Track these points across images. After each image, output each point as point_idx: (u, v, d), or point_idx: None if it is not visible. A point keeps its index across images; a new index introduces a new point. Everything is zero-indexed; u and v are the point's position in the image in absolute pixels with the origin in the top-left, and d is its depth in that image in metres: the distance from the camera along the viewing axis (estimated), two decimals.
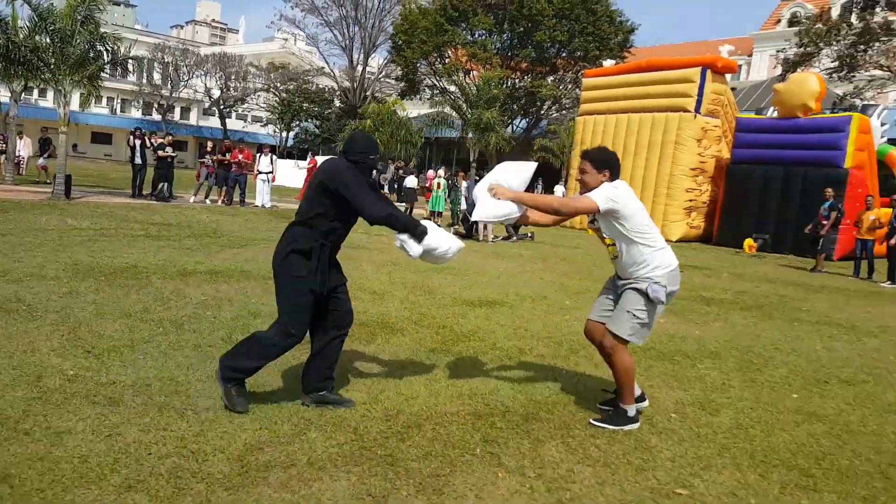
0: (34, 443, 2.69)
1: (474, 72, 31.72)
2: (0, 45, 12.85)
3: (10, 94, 16.99)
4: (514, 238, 13.48)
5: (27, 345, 3.93)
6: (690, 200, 16.88)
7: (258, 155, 16.58)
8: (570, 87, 31.54)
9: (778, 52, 27.17)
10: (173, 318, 4.88)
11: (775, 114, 16.30)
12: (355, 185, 3.25)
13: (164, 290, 5.75)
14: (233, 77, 51.52)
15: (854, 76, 23.87)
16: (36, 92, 43.70)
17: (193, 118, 58.38)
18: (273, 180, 16.49)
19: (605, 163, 3.53)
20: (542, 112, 33.10)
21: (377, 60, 46.75)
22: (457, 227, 14.41)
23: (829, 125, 15.05)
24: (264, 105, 51.71)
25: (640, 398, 3.73)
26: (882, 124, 17.10)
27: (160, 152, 14.94)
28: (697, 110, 16.54)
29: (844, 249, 14.08)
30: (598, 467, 3.04)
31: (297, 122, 50.18)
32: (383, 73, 45.15)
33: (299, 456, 2.89)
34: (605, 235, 3.65)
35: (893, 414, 4.08)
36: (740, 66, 39.70)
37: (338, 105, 48.28)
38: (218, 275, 6.73)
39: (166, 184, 14.93)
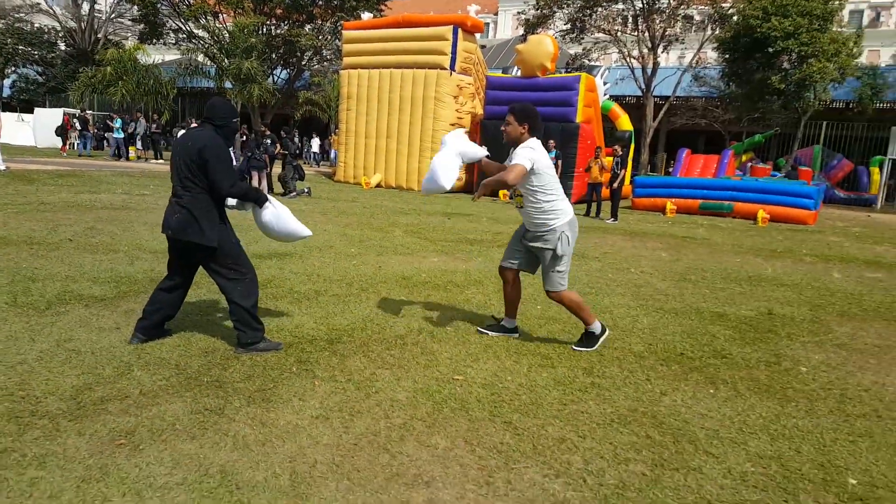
0: None
1: (224, 15, 29.86)
2: None
3: None
4: (294, 194, 13.71)
5: None
6: None
7: None
8: (329, 38, 31.43)
9: (519, 13, 30.02)
10: None
11: (519, 73, 18.40)
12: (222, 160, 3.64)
13: None
14: None
15: (583, 38, 27.33)
16: None
17: None
18: None
19: (527, 118, 4.04)
20: (304, 63, 32.63)
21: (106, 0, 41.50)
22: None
23: (562, 84, 17.19)
24: None
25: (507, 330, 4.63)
26: (605, 83, 20.24)
27: None
28: (452, 68, 17.91)
29: (579, 193, 16.57)
30: (394, 370, 3.80)
31: (13, 69, 42.71)
32: (115, 12, 40.24)
33: (131, 390, 3.19)
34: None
35: (608, 314, 5.36)
36: (487, 24, 42.94)
37: (63, 48, 42.01)
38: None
39: None
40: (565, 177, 15.32)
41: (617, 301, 5.87)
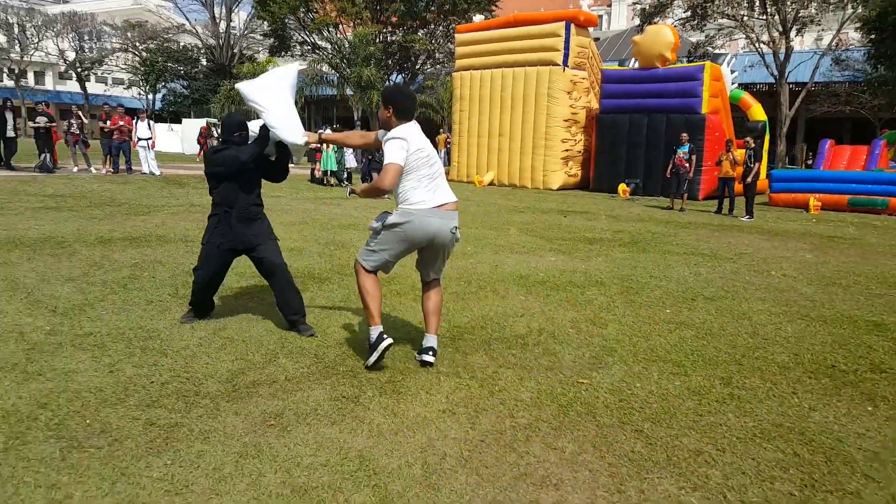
0: (49, 381, 3.08)
1: (343, 26, 31.24)
2: None
3: None
4: None
5: None
6: (566, 150, 18.21)
7: (135, 121, 15.86)
8: (441, 41, 32.01)
9: (634, 3, 28.86)
10: (114, 279, 5.14)
11: (636, 64, 17.78)
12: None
13: (93, 257, 5.90)
14: (86, 37, 47.33)
15: (705, 25, 25.78)
16: None
17: (49, 83, 53.20)
18: (153, 147, 15.90)
19: (389, 100, 3.59)
20: (418, 67, 33.46)
21: (242, 16, 44.76)
22: (352, 184, 14.77)
23: (685, 74, 16.41)
24: (125, 66, 48.12)
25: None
26: (732, 71, 19.04)
27: (31, 123, 14.00)
28: (565, 64, 17.64)
29: (708, 189, 15.72)
30: (516, 369, 3.81)
31: (164, 84, 47.28)
32: (248, 28, 43.29)
33: (277, 376, 3.46)
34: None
35: (746, 320, 5.08)
36: (601, 16, 41.71)
37: (205, 64, 45.80)
38: (137, 241, 6.87)
39: (47, 155, 14.08)
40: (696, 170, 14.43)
41: (756, 307, 5.47)
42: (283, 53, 33.90)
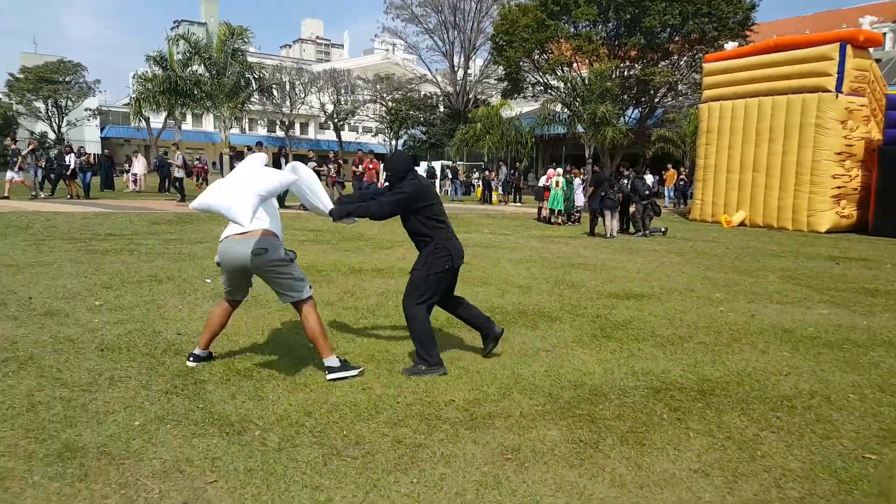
0: (313, 392, 3.54)
1: (576, 63, 31.57)
2: (166, 79, 15.03)
3: (174, 122, 19.36)
4: (646, 233, 13.62)
5: (265, 326, 4.86)
6: (839, 187, 16.09)
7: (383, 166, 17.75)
8: (685, 71, 30.68)
9: None
10: (365, 306, 5.76)
11: None
12: None
13: (346, 284, 6.70)
14: (343, 91, 54.93)
15: None
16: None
17: (312, 132, 63.14)
18: None
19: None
20: (657, 101, 32.43)
21: (478, 62, 47.81)
22: (588, 223, 14.71)
23: None
24: (373, 116, 54.49)
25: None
26: None
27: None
28: (839, 89, 15.74)
29: None
30: (782, 434, 3.39)
31: (405, 130, 52.42)
32: (483, 74, 46.07)
33: (512, 410, 3.52)
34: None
35: None
36: (884, 34, 36.62)
37: (442, 110, 49.72)
38: (383, 272, 7.62)
39: None
40: None
41: None
42: (515, 95, 35.47)
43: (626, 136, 29.02)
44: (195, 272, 7.15)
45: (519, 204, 25.83)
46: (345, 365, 3.91)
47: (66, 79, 50.84)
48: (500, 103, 32.83)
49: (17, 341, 4.24)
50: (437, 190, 29.03)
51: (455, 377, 4.00)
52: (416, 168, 4.46)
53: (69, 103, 51.56)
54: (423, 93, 52.06)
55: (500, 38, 32.45)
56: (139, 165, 21.79)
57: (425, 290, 4.14)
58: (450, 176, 30.42)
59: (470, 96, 45.89)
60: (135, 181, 21.44)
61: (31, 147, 17.70)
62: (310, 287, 3.95)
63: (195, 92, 15.65)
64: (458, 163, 34.68)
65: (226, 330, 4.70)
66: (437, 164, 33.75)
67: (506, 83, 36.14)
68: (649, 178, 20.50)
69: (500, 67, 35.30)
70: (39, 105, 51.01)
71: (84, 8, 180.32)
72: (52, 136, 49.92)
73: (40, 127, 52.25)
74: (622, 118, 31.72)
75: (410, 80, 51.63)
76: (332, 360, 3.87)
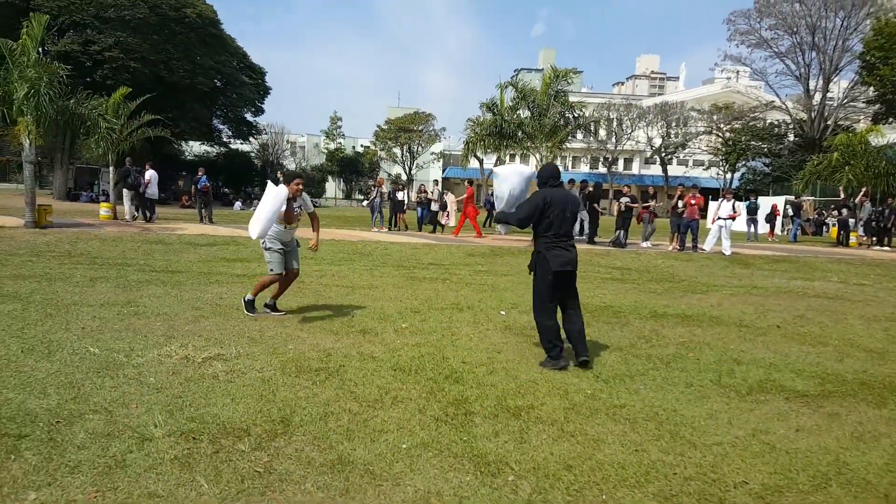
0: (579, 445, 3.33)
1: None
2: (492, 123, 16.52)
3: (496, 161, 21.10)
4: None
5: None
6: None
7: (720, 200, 16.44)
8: None
9: None
10: (659, 355, 5.30)
11: None
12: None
13: (643, 329, 6.29)
14: (673, 124, 53.51)
15: None
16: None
17: (635, 168, 63.04)
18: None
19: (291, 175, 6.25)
20: None
21: (839, 85, 42.10)
22: None
23: None
24: (706, 148, 52.01)
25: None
26: None
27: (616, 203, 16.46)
28: None
29: None
30: None
31: (744, 162, 48.69)
32: (847, 97, 40.23)
33: None
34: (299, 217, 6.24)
35: None
36: None
37: (792, 139, 44.90)
38: (689, 319, 6.99)
39: (622, 231, 16.26)
40: None
41: None
42: (889, 120, 30.05)
43: None
44: (493, 303, 7.47)
45: (887, 248, 21.57)
46: (249, 306, 6.27)
47: (419, 127, 59.44)
48: (868, 129, 28.10)
49: (332, 354, 4.91)
50: (774, 229, 25.85)
51: (755, 453, 3.37)
52: (558, 179, 5.03)
53: (419, 148, 60.37)
54: (768, 121, 47.92)
55: (873, 54, 28.03)
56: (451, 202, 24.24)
57: (540, 298, 4.84)
58: (790, 213, 26.88)
59: (828, 123, 40.61)
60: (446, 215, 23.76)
61: (379, 185, 20.93)
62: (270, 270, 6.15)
63: (518, 134, 16.81)
64: (805, 198, 30.52)
65: (508, 364, 4.79)
66: (766, 200, 30.17)
67: (877, 105, 30.97)
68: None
69: (871, 88, 30.42)
70: (397, 151, 60.64)
71: (439, 65, 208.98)
72: (403, 176, 58.64)
73: (395, 169, 62.08)
74: None
75: (754, 109, 48.06)
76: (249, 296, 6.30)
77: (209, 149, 52.93)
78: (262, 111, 48.05)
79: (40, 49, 31.02)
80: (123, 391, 3.82)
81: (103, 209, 18.21)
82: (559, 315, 4.93)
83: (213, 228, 16.76)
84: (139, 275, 8.33)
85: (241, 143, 53.16)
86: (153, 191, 18.26)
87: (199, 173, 20.57)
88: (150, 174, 17.96)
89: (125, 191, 17.63)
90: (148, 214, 18.01)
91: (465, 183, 23.17)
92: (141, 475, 2.78)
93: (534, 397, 4.06)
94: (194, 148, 54.06)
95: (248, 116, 47.79)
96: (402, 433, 3.39)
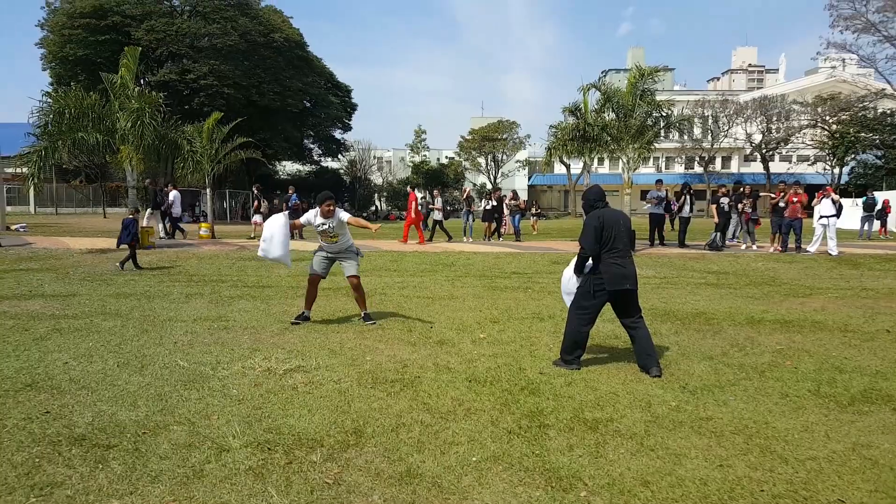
0: (659, 459, 3.18)
1: None
2: (577, 128, 16.26)
3: (582, 166, 20.70)
4: None
5: (627, 377, 4.65)
6: None
7: (820, 198, 15.46)
8: None
9: None
10: (753, 364, 5.00)
11: None
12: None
13: (737, 337, 5.96)
14: (774, 118, 50.76)
15: None
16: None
17: (734, 166, 60.40)
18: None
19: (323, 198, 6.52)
20: None
21: None
22: None
23: None
24: (811, 142, 49.04)
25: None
26: None
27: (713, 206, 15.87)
28: None
29: None
30: None
31: (853, 155, 45.50)
32: None
33: None
34: (332, 233, 6.53)
35: None
36: None
37: None
38: (788, 324, 6.56)
39: (718, 234, 15.56)
40: None
41: None
42: None
43: None
44: None
45: None
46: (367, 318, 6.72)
47: (503, 136, 59.39)
48: None
49: (408, 365, 4.94)
50: (886, 226, 23.83)
51: (854, 469, 3.10)
52: (604, 201, 5.08)
53: (504, 157, 60.29)
54: (879, 110, 44.56)
55: None
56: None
57: (585, 301, 4.92)
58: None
59: None
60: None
61: (466, 194, 21.01)
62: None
63: (604, 136, 16.44)
64: None
65: (587, 374, 4.66)
66: (878, 195, 27.92)
67: None
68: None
69: None
70: (481, 160, 60.80)
71: (522, 72, 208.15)
72: (489, 185, 58.77)
73: (480, 179, 62.20)
74: None
75: (862, 98, 44.82)
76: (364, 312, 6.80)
77: (301, 167, 55.12)
78: (350, 128, 49.56)
79: (141, 80, 33.33)
80: (207, 403, 4.00)
81: (203, 229, 19.35)
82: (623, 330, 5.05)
83: (303, 244, 17.36)
84: (232, 290, 8.73)
85: (331, 161, 55.04)
86: (177, 210, 19.34)
87: (290, 191, 21.51)
88: (174, 195, 19.01)
89: (151, 210, 18.70)
90: (172, 229, 18.98)
91: (408, 188, 23.39)
92: (216, 485, 2.88)
93: (613, 409, 3.91)
94: (287, 167, 56.46)
95: (337, 134, 49.35)
96: (473, 445, 3.35)
